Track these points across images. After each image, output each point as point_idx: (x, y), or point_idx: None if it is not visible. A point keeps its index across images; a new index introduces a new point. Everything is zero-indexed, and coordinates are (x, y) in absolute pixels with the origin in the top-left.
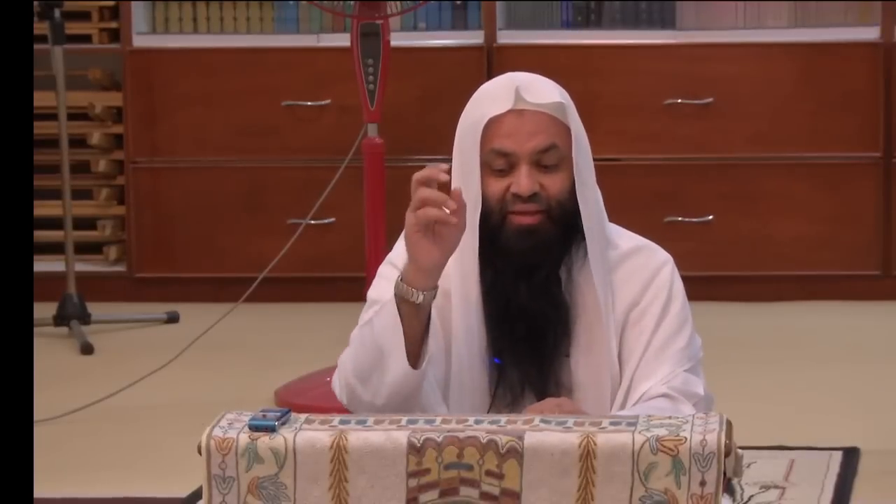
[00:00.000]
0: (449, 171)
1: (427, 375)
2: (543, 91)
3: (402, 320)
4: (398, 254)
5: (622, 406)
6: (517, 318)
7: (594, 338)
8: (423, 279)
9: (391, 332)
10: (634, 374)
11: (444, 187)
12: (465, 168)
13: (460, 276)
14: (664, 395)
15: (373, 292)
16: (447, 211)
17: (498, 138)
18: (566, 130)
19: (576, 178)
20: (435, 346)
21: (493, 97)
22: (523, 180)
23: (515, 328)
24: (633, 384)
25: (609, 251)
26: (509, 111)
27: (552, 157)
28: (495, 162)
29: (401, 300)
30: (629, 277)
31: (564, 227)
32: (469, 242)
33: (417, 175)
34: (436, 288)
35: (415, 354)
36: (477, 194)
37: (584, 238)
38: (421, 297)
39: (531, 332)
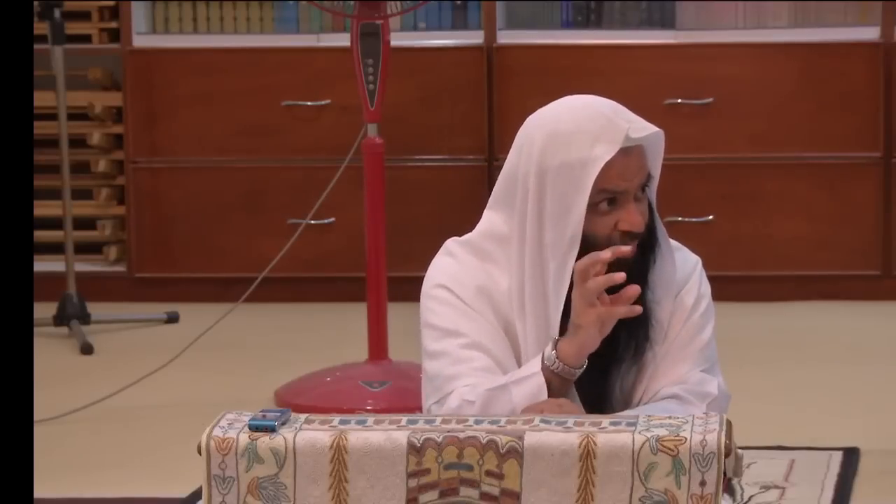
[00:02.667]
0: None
1: None
2: (643, 124)
3: (552, 390)
4: (452, 277)
5: (640, 401)
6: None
7: (654, 348)
8: (582, 359)
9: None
10: (657, 371)
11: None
12: (562, 208)
13: (541, 317)
14: (674, 397)
15: (438, 320)
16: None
17: (609, 178)
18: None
19: (652, 198)
20: None
21: (595, 138)
22: (636, 217)
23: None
24: (651, 378)
25: None
26: (621, 150)
27: (645, 187)
28: (601, 200)
29: (552, 374)
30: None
31: (648, 249)
32: (557, 285)
33: (580, 266)
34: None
35: None
36: (575, 235)
37: (656, 251)
38: (577, 374)
39: (605, 350)
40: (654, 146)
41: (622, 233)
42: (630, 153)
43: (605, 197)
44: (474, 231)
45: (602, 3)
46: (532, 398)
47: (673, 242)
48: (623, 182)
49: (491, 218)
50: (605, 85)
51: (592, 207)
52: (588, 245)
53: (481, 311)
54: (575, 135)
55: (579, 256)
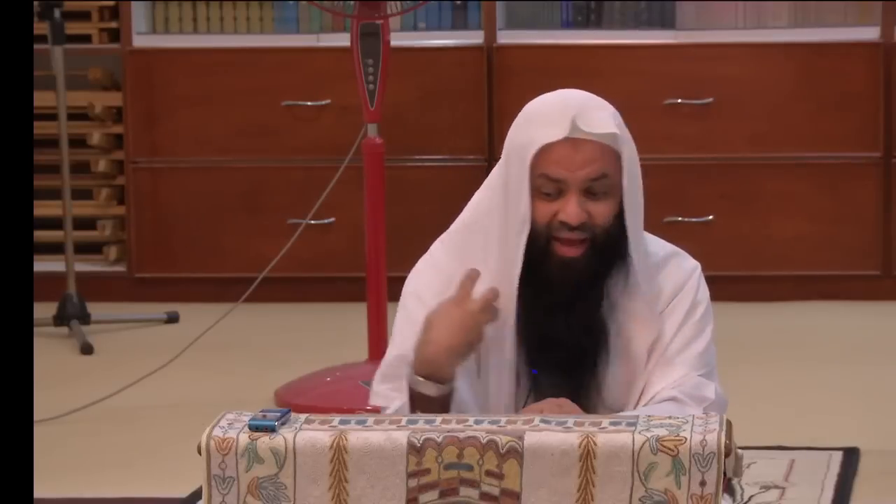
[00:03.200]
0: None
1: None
2: (599, 121)
3: (419, 406)
4: (425, 284)
5: (636, 404)
6: (553, 346)
7: (631, 355)
8: (435, 368)
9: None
10: (649, 376)
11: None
12: (512, 188)
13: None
14: (672, 399)
15: (397, 332)
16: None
17: (550, 165)
18: (617, 157)
19: (626, 206)
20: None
21: (546, 121)
22: (572, 209)
23: (550, 354)
24: (647, 384)
25: (646, 258)
26: (564, 139)
27: (602, 186)
28: (545, 186)
29: (417, 393)
30: (663, 284)
31: (608, 255)
32: (511, 265)
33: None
34: (451, 383)
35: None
36: (525, 216)
37: (625, 262)
38: (440, 390)
39: (568, 356)
40: (626, 154)
41: (560, 223)
42: (579, 145)
43: (547, 183)
44: (458, 219)
45: (602, 3)
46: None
47: (671, 248)
48: (563, 171)
49: (472, 205)
50: (605, 85)
51: (537, 192)
52: (532, 230)
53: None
54: (533, 117)
55: (529, 241)
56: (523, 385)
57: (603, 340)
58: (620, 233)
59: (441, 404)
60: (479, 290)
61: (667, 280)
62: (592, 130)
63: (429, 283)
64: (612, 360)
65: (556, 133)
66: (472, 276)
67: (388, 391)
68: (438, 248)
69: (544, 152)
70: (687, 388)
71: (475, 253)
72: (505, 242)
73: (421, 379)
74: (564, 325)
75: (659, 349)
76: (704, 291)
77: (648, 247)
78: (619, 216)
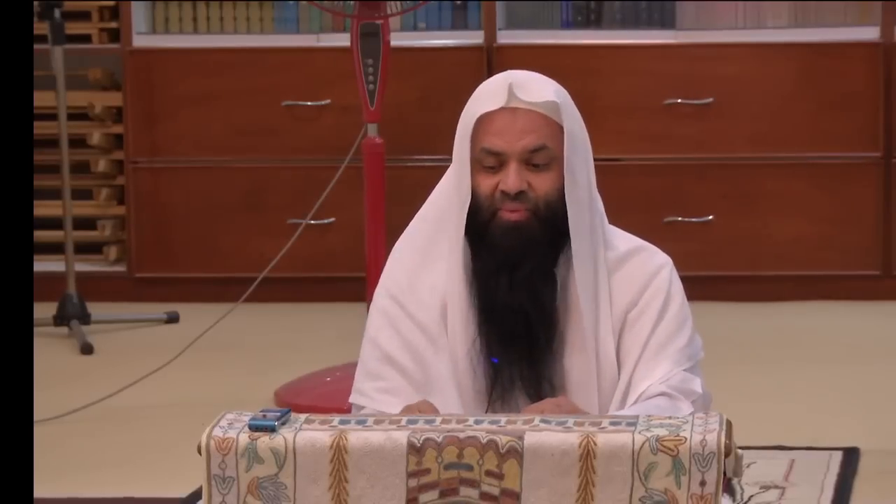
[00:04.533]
0: None
1: None
2: (537, 89)
3: None
4: (394, 281)
5: (620, 406)
6: (500, 313)
7: (586, 339)
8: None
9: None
10: (633, 374)
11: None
12: (458, 164)
13: (446, 272)
14: (663, 394)
15: (372, 329)
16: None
17: (489, 136)
18: (560, 130)
19: (566, 178)
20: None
21: (488, 94)
22: (511, 178)
23: (500, 323)
24: (631, 384)
25: (607, 252)
26: (501, 109)
27: (542, 157)
28: (486, 160)
29: None
30: (627, 279)
31: (552, 227)
32: (455, 240)
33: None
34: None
35: None
36: (467, 191)
37: (560, 235)
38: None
39: (516, 328)
40: (568, 125)
41: (502, 193)
42: (517, 115)
43: (488, 156)
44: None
45: (602, 3)
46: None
47: (641, 242)
48: (501, 142)
49: (438, 185)
50: (605, 85)
51: (479, 165)
52: (476, 204)
53: (420, 317)
54: (476, 96)
55: (471, 214)
56: (482, 375)
57: (548, 316)
58: (560, 202)
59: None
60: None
61: (632, 275)
62: (530, 99)
63: (398, 282)
64: (567, 346)
65: (495, 103)
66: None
67: (372, 391)
68: (402, 241)
69: (484, 125)
70: (674, 382)
71: (432, 237)
72: (457, 220)
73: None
74: (507, 284)
75: (636, 347)
76: (678, 287)
77: (614, 240)
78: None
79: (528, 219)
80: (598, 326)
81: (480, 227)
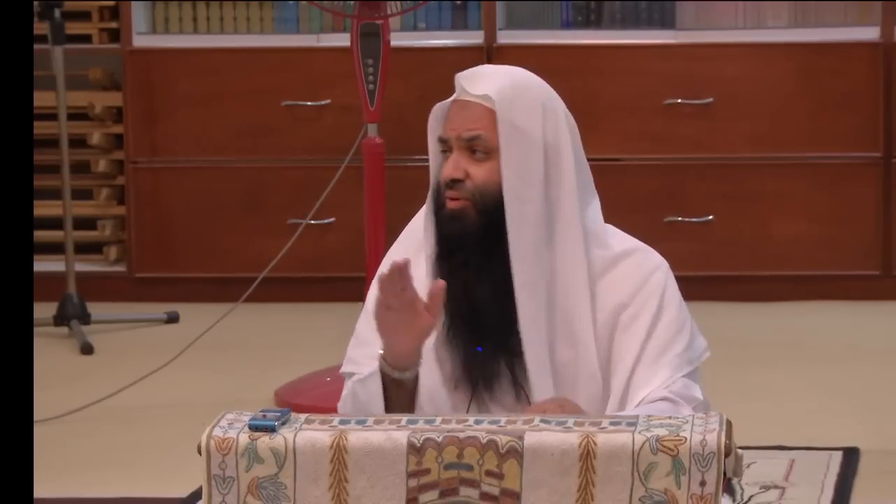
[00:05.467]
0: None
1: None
2: (481, 83)
3: (388, 391)
4: (398, 247)
5: (618, 410)
6: (461, 306)
7: (579, 342)
8: (404, 361)
9: (376, 406)
10: (631, 380)
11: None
12: (431, 155)
13: (427, 263)
14: (665, 399)
15: (369, 301)
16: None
17: (442, 126)
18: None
19: (502, 170)
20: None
21: (456, 89)
22: (448, 166)
23: (464, 316)
24: (630, 390)
25: (600, 252)
26: (454, 101)
27: (481, 145)
28: (441, 147)
29: (387, 377)
30: (620, 280)
31: (492, 218)
32: (427, 228)
33: (379, 274)
34: (419, 362)
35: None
36: (436, 177)
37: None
38: (406, 375)
39: (454, 316)
40: (502, 116)
41: (444, 182)
42: (466, 106)
43: (440, 143)
44: None
45: (602, 3)
46: (376, 396)
47: (636, 243)
48: (447, 130)
49: None
50: (605, 85)
51: (437, 154)
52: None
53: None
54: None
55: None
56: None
57: (486, 307)
58: (498, 193)
59: (410, 389)
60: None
61: (624, 276)
62: (472, 91)
63: (402, 244)
64: (557, 342)
65: (453, 96)
66: (394, 270)
67: (361, 357)
68: (411, 224)
69: (444, 115)
70: (676, 388)
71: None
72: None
73: (389, 367)
74: (447, 275)
75: (631, 352)
76: (674, 289)
77: (609, 240)
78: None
79: (465, 208)
80: (573, 324)
81: (433, 215)
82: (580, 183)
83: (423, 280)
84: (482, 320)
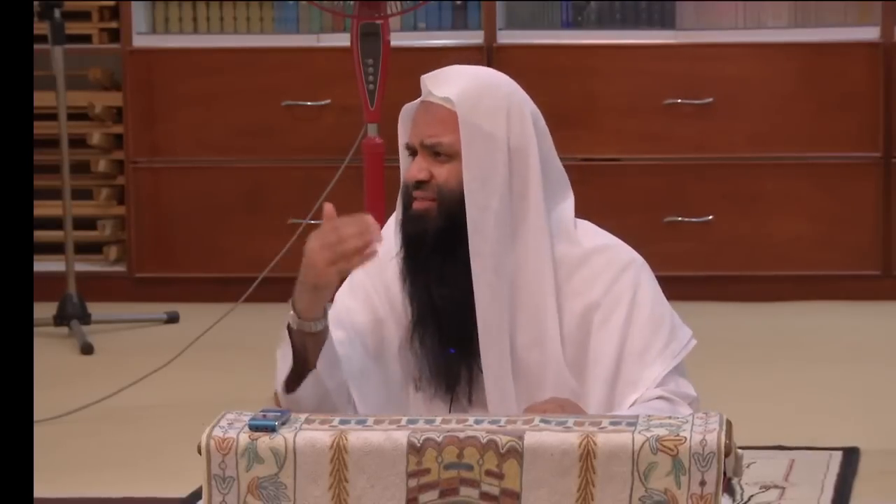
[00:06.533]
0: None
1: (333, 381)
2: (444, 84)
3: (300, 348)
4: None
5: (607, 411)
6: (424, 306)
7: (548, 339)
8: (319, 308)
9: (281, 368)
10: (617, 381)
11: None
12: (401, 157)
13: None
14: (661, 398)
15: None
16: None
17: (406, 128)
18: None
19: (464, 172)
20: (349, 347)
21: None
22: (412, 168)
23: (428, 316)
24: (616, 392)
25: (568, 249)
26: (420, 102)
27: (444, 148)
28: (408, 151)
29: (300, 333)
30: (590, 278)
31: (460, 219)
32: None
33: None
34: (325, 313)
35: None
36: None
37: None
38: (320, 327)
39: (443, 322)
40: (463, 117)
41: (410, 184)
42: (428, 108)
43: (405, 147)
44: None
45: (602, 3)
46: (285, 358)
47: (610, 240)
48: (410, 133)
49: None
50: (605, 85)
51: (408, 157)
52: (402, 191)
53: (372, 290)
54: None
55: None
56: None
57: (443, 307)
58: (460, 194)
59: (323, 337)
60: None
61: (594, 274)
62: (435, 93)
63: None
64: (522, 343)
65: (417, 99)
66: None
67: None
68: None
69: (408, 118)
70: (671, 387)
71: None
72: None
73: (303, 321)
74: (423, 280)
75: (608, 354)
76: (648, 284)
77: (581, 237)
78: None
79: (429, 208)
80: (538, 323)
81: (400, 215)
82: (549, 183)
83: (393, 282)
84: (444, 322)
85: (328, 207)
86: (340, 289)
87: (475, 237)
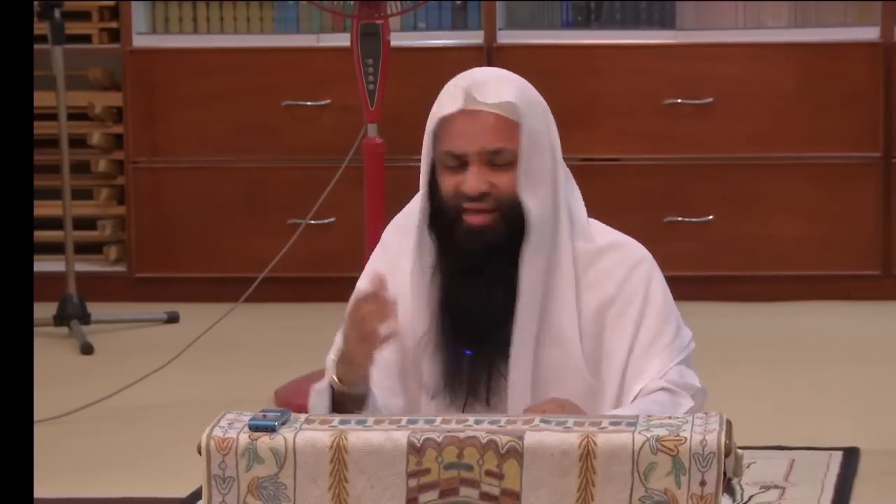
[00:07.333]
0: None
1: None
2: (494, 91)
3: (339, 398)
4: (374, 267)
5: (616, 405)
6: (463, 314)
7: (565, 341)
8: (355, 377)
9: (317, 403)
10: (624, 376)
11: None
12: (422, 165)
13: (414, 272)
14: (663, 389)
15: (338, 337)
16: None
17: (450, 139)
18: (519, 129)
19: (521, 177)
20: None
21: (448, 96)
22: (471, 180)
23: (456, 321)
24: (625, 384)
25: (585, 245)
26: (460, 111)
27: (504, 157)
28: (448, 161)
29: (340, 392)
30: (604, 274)
31: (517, 226)
32: (420, 238)
33: (350, 306)
34: (367, 379)
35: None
36: (425, 189)
37: (523, 231)
38: (360, 391)
39: (474, 326)
40: (526, 124)
41: (463, 194)
42: (476, 117)
43: (450, 157)
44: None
45: (602, 3)
46: (326, 411)
47: (620, 237)
48: (461, 143)
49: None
50: (605, 85)
51: (444, 166)
52: (440, 204)
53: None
54: (439, 97)
55: (435, 215)
56: (452, 367)
57: (506, 314)
58: (521, 203)
59: (362, 396)
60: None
61: (609, 270)
62: (487, 100)
63: (376, 261)
64: (544, 340)
65: (453, 106)
66: (370, 295)
67: (330, 362)
68: (388, 229)
69: (446, 126)
70: (673, 378)
71: (409, 232)
72: (419, 220)
73: (338, 381)
74: (469, 289)
75: (621, 348)
76: (658, 281)
77: (593, 234)
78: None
79: (492, 221)
80: (560, 320)
81: (446, 227)
82: (567, 180)
83: (404, 292)
84: (480, 325)
85: (376, 281)
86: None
87: (532, 241)
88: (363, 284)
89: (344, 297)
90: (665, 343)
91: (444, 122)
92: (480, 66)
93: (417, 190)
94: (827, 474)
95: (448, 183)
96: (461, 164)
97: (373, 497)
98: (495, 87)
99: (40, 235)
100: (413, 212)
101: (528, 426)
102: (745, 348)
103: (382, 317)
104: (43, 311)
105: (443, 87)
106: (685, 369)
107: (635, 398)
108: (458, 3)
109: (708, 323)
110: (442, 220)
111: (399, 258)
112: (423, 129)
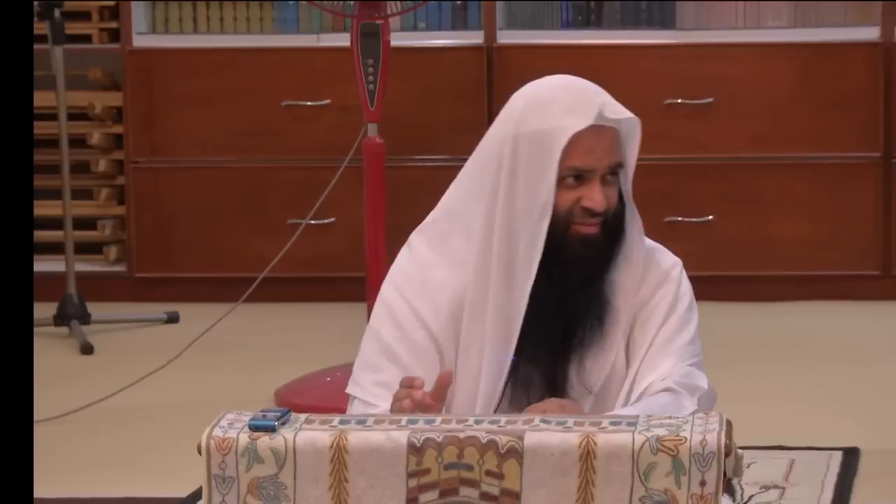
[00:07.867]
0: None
1: None
2: (619, 106)
3: None
4: (403, 273)
5: (626, 402)
6: (559, 322)
7: (611, 339)
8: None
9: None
10: (638, 369)
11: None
12: (535, 175)
13: (505, 287)
14: (667, 390)
15: (375, 322)
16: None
17: (577, 154)
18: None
19: (624, 187)
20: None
21: (569, 109)
22: (598, 197)
23: (543, 328)
24: (636, 379)
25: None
26: (590, 127)
27: (618, 170)
28: (569, 176)
29: None
30: (639, 277)
31: (616, 235)
32: (528, 252)
33: (396, 394)
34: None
35: None
36: (546, 203)
37: (619, 237)
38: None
39: (560, 333)
40: (629, 135)
41: (583, 209)
42: (602, 133)
43: (573, 173)
44: (437, 207)
45: (602, 3)
46: None
47: (651, 243)
48: (590, 160)
49: (454, 192)
50: (605, 85)
51: (560, 181)
52: (552, 218)
53: (425, 312)
54: (551, 103)
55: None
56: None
57: (596, 319)
58: (622, 209)
59: None
60: (449, 287)
61: (646, 274)
62: (617, 117)
63: (408, 276)
64: (595, 340)
65: (583, 121)
66: (443, 384)
67: (367, 383)
68: (418, 240)
69: (573, 141)
70: (679, 377)
71: (456, 243)
72: (509, 230)
73: None
74: (584, 298)
75: (643, 345)
76: (687, 287)
77: None
78: (620, 198)
79: (600, 232)
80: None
81: (554, 242)
82: None
83: (448, 288)
84: (575, 334)
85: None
86: (370, 332)
87: (632, 249)
88: (389, 294)
89: (344, 297)
90: (681, 343)
91: (572, 138)
92: (480, 66)
93: (417, 189)
94: (827, 474)
95: (565, 198)
96: (579, 178)
97: (373, 497)
98: (614, 101)
99: (40, 235)
100: (445, 216)
101: (528, 426)
102: (745, 348)
103: (426, 409)
104: (43, 311)
105: (443, 86)
106: (695, 371)
107: (640, 396)
108: (458, 3)
109: (708, 323)
110: (551, 233)
111: (433, 267)
112: (423, 129)
